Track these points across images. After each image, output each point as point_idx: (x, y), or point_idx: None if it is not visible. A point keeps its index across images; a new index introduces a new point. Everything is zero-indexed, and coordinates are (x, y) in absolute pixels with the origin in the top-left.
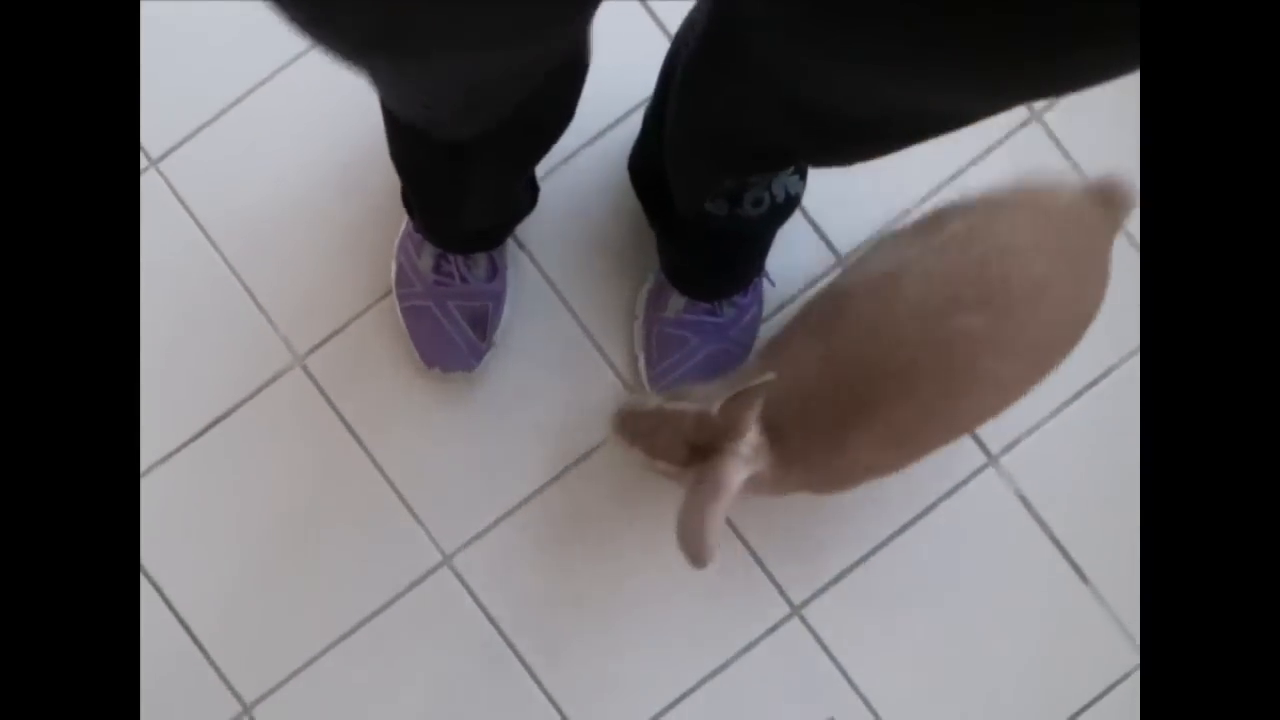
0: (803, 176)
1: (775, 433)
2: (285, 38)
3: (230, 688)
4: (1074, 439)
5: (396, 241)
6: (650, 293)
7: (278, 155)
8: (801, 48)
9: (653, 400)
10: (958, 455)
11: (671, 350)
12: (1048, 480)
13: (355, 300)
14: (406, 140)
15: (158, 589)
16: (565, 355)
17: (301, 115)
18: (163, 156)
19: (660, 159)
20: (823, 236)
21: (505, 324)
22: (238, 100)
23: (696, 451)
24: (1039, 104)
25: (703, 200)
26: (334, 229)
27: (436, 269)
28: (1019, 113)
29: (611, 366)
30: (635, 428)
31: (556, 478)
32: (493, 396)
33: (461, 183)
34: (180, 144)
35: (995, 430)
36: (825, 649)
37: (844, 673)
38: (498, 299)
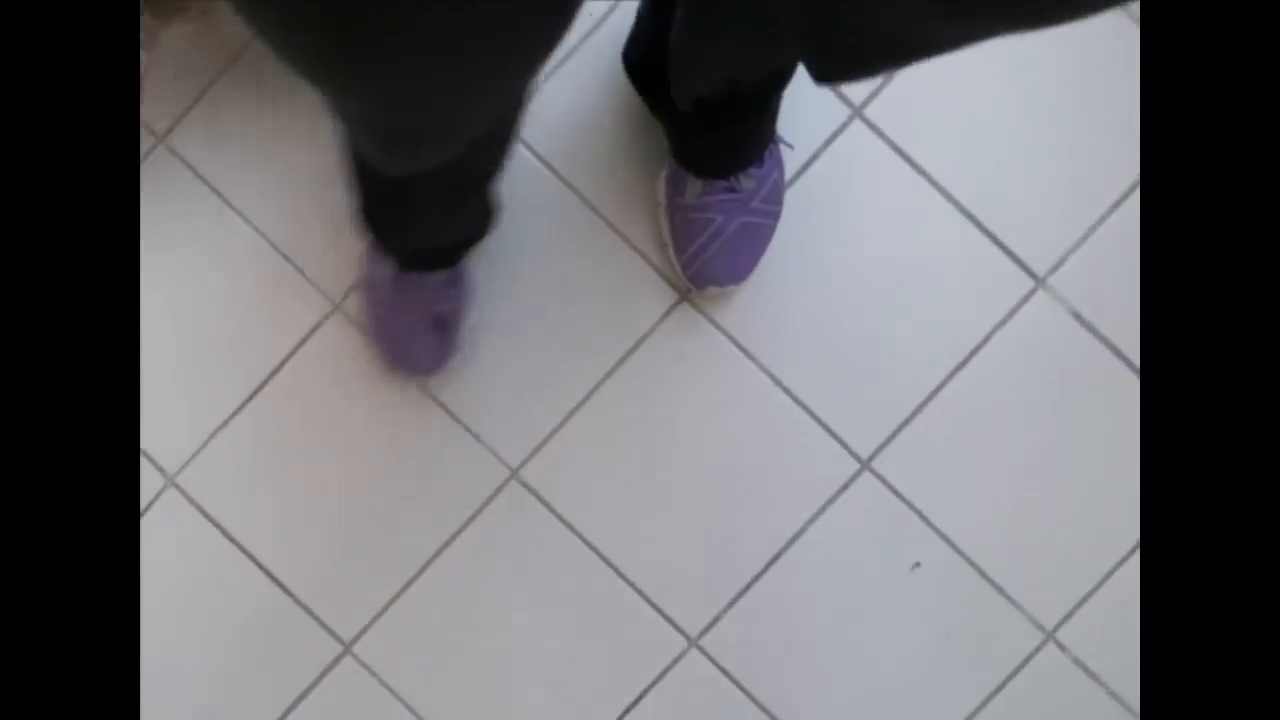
0: None
1: None
2: None
3: (329, 630)
4: (1119, 247)
5: (360, 247)
6: (667, 180)
7: None
8: None
9: None
10: (1005, 284)
11: (697, 232)
12: (1100, 287)
13: None
14: (364, 174)
15: (240, 546)
16: (595, 259)
17: None
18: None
19: (658, 49)
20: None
21: (473, 325)
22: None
23: None
24: None
25: (699, 91)
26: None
27: (398, 277)
28: None
29: (639, 253)
30: None
31: (610, 373)
32: (534, 292)
33: (410, 208)
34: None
35: (1040, 252)
36: (901, 497)
37: (924, 517)
38: (460, 302)
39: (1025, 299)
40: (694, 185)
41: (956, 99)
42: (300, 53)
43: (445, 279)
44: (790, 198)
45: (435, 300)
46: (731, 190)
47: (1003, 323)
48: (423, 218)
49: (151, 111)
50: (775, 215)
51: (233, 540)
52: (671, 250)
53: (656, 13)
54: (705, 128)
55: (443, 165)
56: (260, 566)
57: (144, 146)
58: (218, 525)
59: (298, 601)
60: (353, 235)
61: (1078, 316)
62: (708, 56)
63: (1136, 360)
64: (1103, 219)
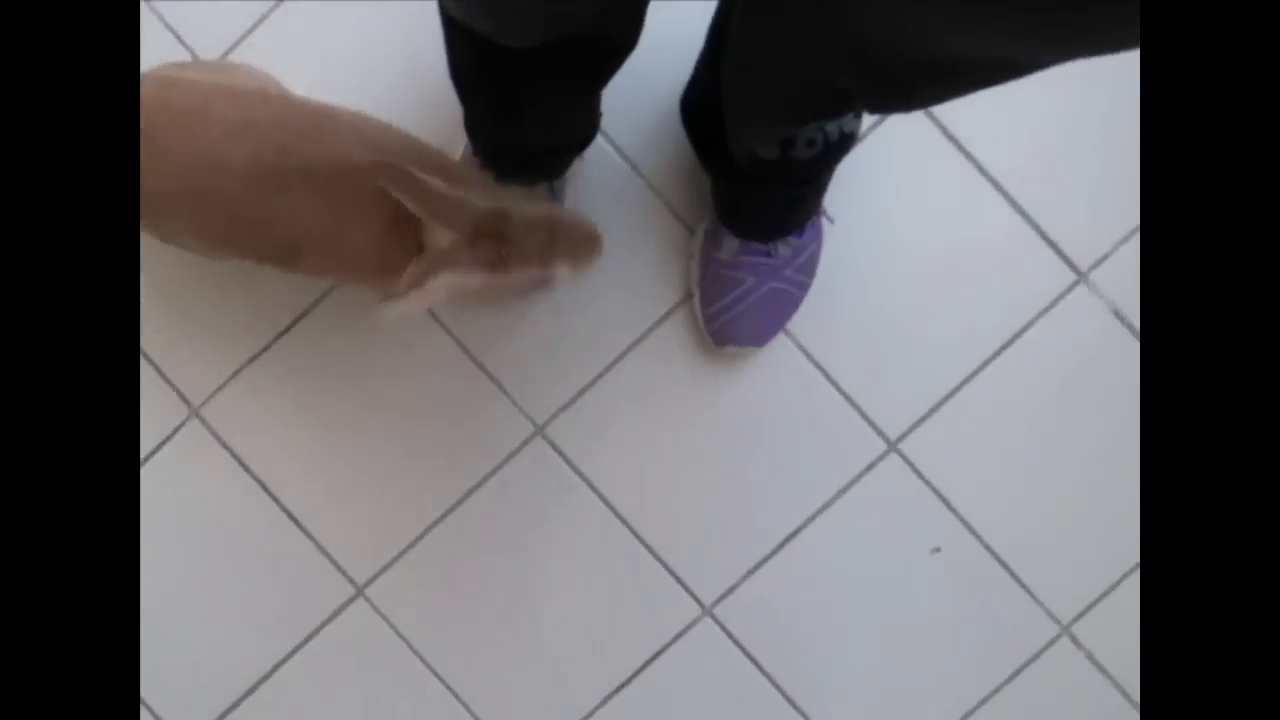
0: (858, 114)
1: None
2: None
3: (343, 572)
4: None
5: None
6: (706, 233)
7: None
8: None
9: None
10: (1047, 276)
11: (727, 290)
12: (1136, 304)
13: None
14: (468, 52)
15: (262, 484)
16: (631, 234)
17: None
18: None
19: (714, 101)
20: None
21: None
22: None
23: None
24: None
25: (757, 144)
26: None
27: None
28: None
29: (681, 221)
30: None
31: (637, 341)
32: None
33: (520, 95)
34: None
35: (1084, 247)
36: (925, 481)
37: (946, 502)
38: None
39: (1066, 292)
40: (730, 243)
41: (1013, 87)
42: None
43: (545, 199)
44: (836, 176)
45: None
46: (767, 254)
47: (1041, 314)
48: (533, 108)
49: None
50: (805, 286)
51: (253, 475)
52: (697, 301)
53: (715, 60)
54: (752, 188)
55: (559, 43)
56: (279, 503)
57: None
58: (239, 459)
59: (314, 541)
60: None
61: (1118, 314)
62: (756, 87)
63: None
64: None
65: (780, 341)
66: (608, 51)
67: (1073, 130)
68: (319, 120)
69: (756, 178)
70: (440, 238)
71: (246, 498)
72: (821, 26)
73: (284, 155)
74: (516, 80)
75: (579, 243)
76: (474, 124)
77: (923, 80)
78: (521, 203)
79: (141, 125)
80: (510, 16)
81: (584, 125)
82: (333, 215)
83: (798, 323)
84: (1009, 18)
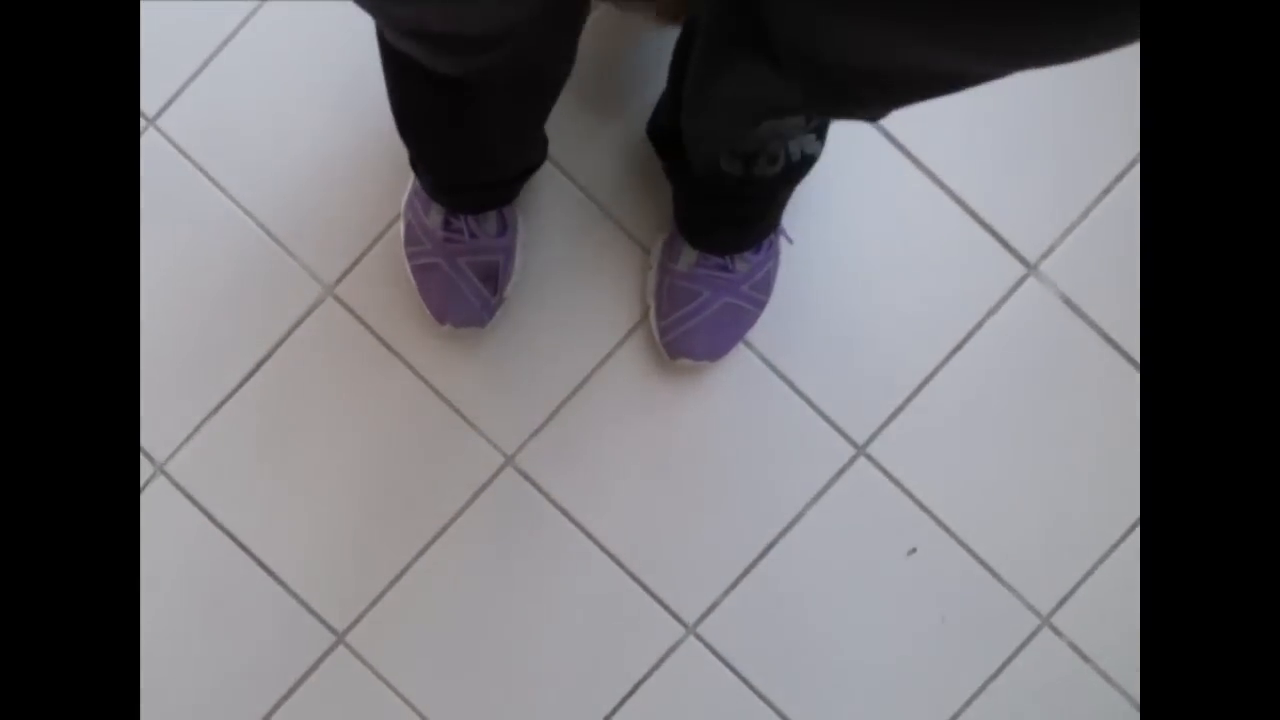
0: (820, 137)
1: None
2: None
3: (321, 620)
4: (1110, 232)
5: (404, 198)
6: (665, 244)
7: (274, 92)
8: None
9: None
10: (997, 270)
11: (682, 302)
12: (1090, 280)
13: (376, 220)
14: (406, 83)
15: (234, 538)
16: (593, 254)
17: (290, 46)
18: (159, 114)
19: (679, 118)
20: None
21: (517, 276)
22: (224, 44)
23: None
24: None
25: (719, 157)
26: (342, 153)
27: (445, 225)
28: None
29: (639, 244)
30: None
31: (601, 362)
32: (524, 299)
33: (462, 128)
34: (174, 99)
35: (1031, 239)
36: (896, 483)
37: (919, 503)
38: (508, 253)
39: (1017, 285)
40: (689, 254)
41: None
42: None
43: (494, 226)
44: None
45: (483, 249)
46: (725, 268)
47: (995, 309)
48: (475, 141)
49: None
50: (761, 304)
51: (223, 529)
52: (653, 312)
53: (678, 74)
54: (711, 200)
55: (494, 73)
56: (251, 556)
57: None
58: (207, 514)
59: (289, 591)
60: (343, 220)
61: (1069, 302)
62: (714, 98)
63: (1125, 344)
64: (1093, 205)
65: (741, 352)
66: (540, 84)
67: (1011, 120)
68: None
69: (717, 191)
70: None
71: (215, 551)
72: (775, 66)
73: None
74: (454, 111)
75: None
76: (418, 159)
77: (870, 92)
78: None
79: None
80: (444, 53)
81: (529, 154)
82: None
83: (757, 334)
84: (967, 39)
